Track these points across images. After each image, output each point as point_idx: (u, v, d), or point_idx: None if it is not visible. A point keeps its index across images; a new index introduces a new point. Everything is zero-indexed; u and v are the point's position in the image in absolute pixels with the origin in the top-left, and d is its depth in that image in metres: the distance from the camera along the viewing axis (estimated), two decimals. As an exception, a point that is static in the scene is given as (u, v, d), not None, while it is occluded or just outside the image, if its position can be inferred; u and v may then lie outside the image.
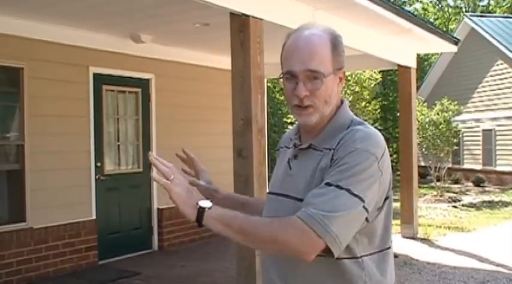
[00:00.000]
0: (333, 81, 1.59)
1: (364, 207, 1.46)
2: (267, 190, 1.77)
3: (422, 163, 16.02)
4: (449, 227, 9.63)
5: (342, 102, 1.67)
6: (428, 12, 33.51)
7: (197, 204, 1.50)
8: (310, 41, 1.58)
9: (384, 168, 1.51)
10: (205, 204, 1.50)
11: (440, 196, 14.01)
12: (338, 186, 1.44)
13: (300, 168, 1.62)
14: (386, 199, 1.56)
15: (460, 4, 33.23)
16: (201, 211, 1.49)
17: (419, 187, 11.56)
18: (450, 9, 33.44)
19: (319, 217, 1.40)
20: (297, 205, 1.53)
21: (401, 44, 8.21)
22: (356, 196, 1.44)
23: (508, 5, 31.37)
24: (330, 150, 1.54)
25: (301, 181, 1.57)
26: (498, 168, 18.39)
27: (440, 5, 33.87)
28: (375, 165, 1.48)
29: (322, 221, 1.40)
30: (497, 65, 18.44)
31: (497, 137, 18.44)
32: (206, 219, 1.49)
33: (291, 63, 1.58)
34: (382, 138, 1.56)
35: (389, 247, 1.62)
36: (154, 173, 1.57)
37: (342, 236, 1.42)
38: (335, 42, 1.60)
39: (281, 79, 1.62)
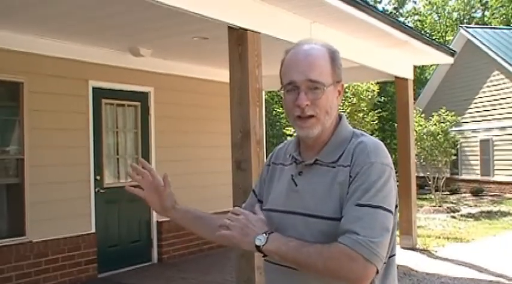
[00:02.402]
0: (333, 92, 1.62)
1: (393, 217, 1.53)
2: (265, 207, 1.73)
3: (421, 174, 16.05)
4: (448, 238, 9.63)
5: (340, 116, 1.70)
6: (425, 23, 33.74)
7: (254, 241, 1.55)
8: (309, 53, 1.61)
9: (395, 177, 1.58)
10: (260, 241, 1.55)
11: (439, 206, 14.03)
12: (370, 206, 1.47)
13: (307, 184, 1.62)
14: (396, 207, 1.60)
15: (459, 16, 33.45)
16: (257, 248, 1.55)
17: (418, 198, 11.57)
18: (447, 21, 33.68)
19: (366, 243, 1.43)
20: (308, 221, 1.56)
21: (398, 56, 8.28)
22: (388, 210, 1.50)
23: (503, 16, 31.61)
24: (344, 166, 1.56)
25: (312, 197, 1.58)
26: (496, 178, 18.43)
27: (438, 15, 34.12)
28: (391, 175, 1.55)
29: (369, 246, 1.43)
30: (494, 76, 18.55)
31: (495, 147, 18.50)
32: (265, 252, 1.56)
33: (291, 75, 1.60)
34: (385, 147, 1.61)
35: (394, 254, 1.65)
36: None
37: (385, 254, 1.49)
38: (333, 56, 1.64)
39: (281, 92, 1.64)
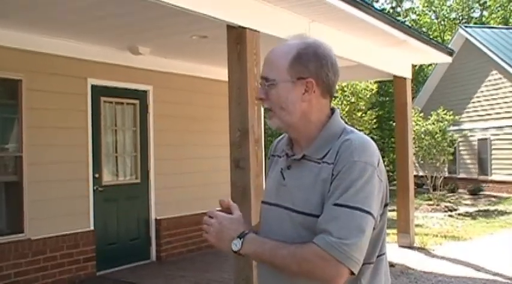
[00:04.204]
0: (288, 89, 1.61)
1: (373, 219, 1.49)
2: (262, 200, 1.79)
3: (419, 173, 16.09)
4: (445, 237, 9.67)
5: (333, 111, 1.68)
6: (424, 22, 33.75)
7: (230, 246, 1.61)
8: (273, 50, 1.67)
9: (381, 176, 1.54)
10: (235, 246, 1.59)
11: (437, 205, 14.07)
12: (347, 206, 1.46)
13: (294, 179, 1.63)
14: (385, 205, 1.59)
15: (458, 15, 33.49)
16: (236, 252, 1.60)
17: (416, 196, 11.60)
18: (446, 21, 33.71)
19: (339, 246, 1.42)
20: (292, 216, 1.57)
21: (397, 55, 8.30)
22: (367, 212, 1.47)
23: (502, 16, 31.63)
24: (328, 163, 1.55)
25: (297, 192, 1.59)
26: (493, 177, 18.47)
27: (435, 15, 34.15)
28: (375, 175, 1.51)
29: (342, 249, 1.42)
30: (492, 75, 18.59)
31: (493, 146, 18.54)
32: (244, 255, 1.61)
33: None
34: (374, 145, 1.58)
35: (384, 253, 1.64)
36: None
37: (361, 257, 1.47)
38: (301, 52, 1.61)
39: None
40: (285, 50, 1.64)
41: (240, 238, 1.58)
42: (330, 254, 1.42)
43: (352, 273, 1.47)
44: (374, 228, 1.52)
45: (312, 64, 1.61)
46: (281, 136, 1.86)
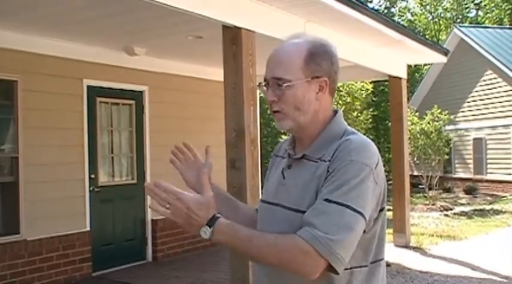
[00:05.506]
0: (304, 88, 1.59)
1: (364, 220, 1.47)
2: (260, 198, 1.79)
3: (414, 173, 16.12)
4: (441, 236, 9.70)
5: (336, 112, 1.68)
6: (419, 22, 33.83)
7: (200, 233, 1.50)
8: (282, 49, 1.62)
9: (378, 179, 1.52)
10: (205, 234, 1.48)
11: (432, 205, 14.10)
12: (338, 203, 1.44)
13: (293, 178, 1.63)
14: (381, 210, 1.57)
15: (453, 15, 33.58)
16: (206, 238, 1.50)
17: (411, 196, 11.63)
18: (441, 20, 33.80)
19: (324, 240, 1.40)
20: (288, 214, 1.56)
21: (392, 55, 8.32)
22: (357, 211, 1.44)
23: (496, 16, 31.72)
24: (324, 161, 1.54)
25: (294, 190, 1.59)
26: (489, 177, 18.53)
27: (431, 16, 34.23)
28: (370, 176, 1.49)
29: (327, 244, 1.40)
30: (487, 75, 18.65)
31: (488, 146, 18.60)
32: (214, 242, 1.51)
33: (265, 72, 1.64)
34: (375, 147, 1.57)
35: (382, 259, 1.62)
36: (151, 202, 1.53)
37: (346, 255, 1.44)
38: (313, 51, 1.60)
39: (262, 88, 1.68)
40: (295, 49, 1.60)
41: (210, 226, 1.47)
42: (313, 248, 1.39)
43: (335, 272, 1.44)
44: (365, 231, 1.50)
45: (325, 62, 1.62)
46: (287, 137, 1.85)
